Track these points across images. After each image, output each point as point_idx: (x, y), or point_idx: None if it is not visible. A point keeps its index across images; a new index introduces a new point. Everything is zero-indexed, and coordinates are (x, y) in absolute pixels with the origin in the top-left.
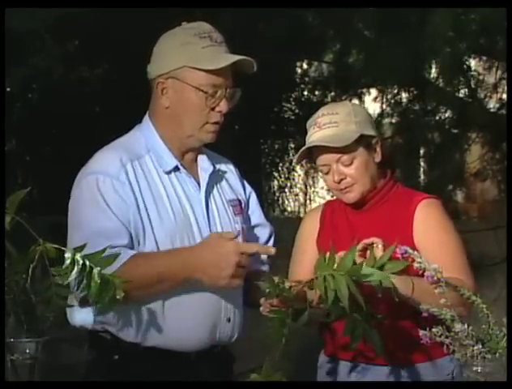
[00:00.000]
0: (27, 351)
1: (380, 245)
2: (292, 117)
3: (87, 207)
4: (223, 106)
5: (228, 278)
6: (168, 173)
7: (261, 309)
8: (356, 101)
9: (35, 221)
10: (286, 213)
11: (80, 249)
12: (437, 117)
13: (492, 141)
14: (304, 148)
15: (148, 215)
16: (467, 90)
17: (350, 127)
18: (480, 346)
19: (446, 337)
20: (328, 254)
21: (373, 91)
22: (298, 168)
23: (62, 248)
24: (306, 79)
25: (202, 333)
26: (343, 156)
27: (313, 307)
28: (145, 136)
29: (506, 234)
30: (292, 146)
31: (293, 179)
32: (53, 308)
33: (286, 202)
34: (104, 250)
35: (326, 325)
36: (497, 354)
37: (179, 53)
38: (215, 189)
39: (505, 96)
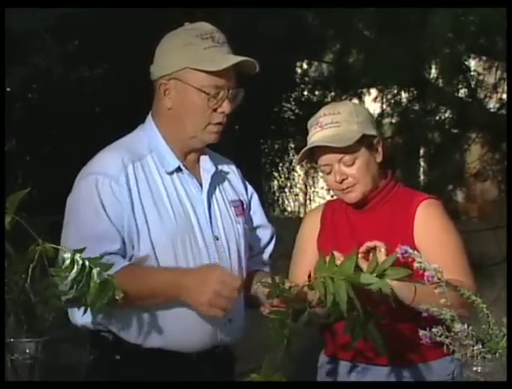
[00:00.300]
0: (27, 351)
1: (383, 249)
2: (292, 117)
3: (83, 208)
4: (225, 107)
5: (206, 305)
6: (170, 173)
7: (261, 309)
8: (356, 101)
9: (35, 221)
10: (286, 213)
11: (80, 250)
12: (437, 117)
13: (492, 141)
14: (306, 148)
15: (146, 217)
16: (466, 90)
17: (352, 127)
18: (480, 346)
19: (446, 337)
20: (328, 256)
21: (373, 91)
22: (298, 168)
23: (62, 248)
24: (306, 79)
25: (203, 334)
26: (345, 156)
27: (313, 307)
28: (148, 136)
29: (506, 234)
30: (292, 146)
31: (293, 179)
32: (53, 308)
33: (286, 202)
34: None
35: (327, 325)
36: (497, 354)
37: (181, 54)
38: (217, 190)
39: (504, 96)
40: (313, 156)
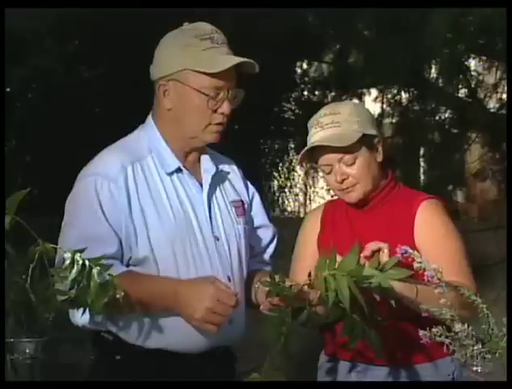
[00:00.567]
0: (27, 351)
1: (386, 250)
2: (292, 117)
3: (81, 209)
4: (225, 108)
5: (200, 320)
6: (170, 174)
7: (261, 307)
8: (356, 101)
9: (35, 221)
10: (286, 213)
11: (80, 250)
12: (437, 117)
13: (492, 141)
14: (306, 148)
15: (145, 219)
16: (466, 90)
17: (352, 127)
18: (480, 346)
19: (446, 337)
20: (329, 254)
21: (374, 92)
22: (298, 168)
23: (61, 248)
24: (306, 79)
25: (203, 334)
26: (346, 156)
27: (313, 306)
28: (148, 136)
29: (506, 234)
30: (292, 146)
31: (293, 179)
32: (53, 308)
33: (286, 202)
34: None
35: (327, 325)
36: (497, 354)
37: (180, 55)
38: (217, 190)
39: (504, 96)
40: (313, 155)
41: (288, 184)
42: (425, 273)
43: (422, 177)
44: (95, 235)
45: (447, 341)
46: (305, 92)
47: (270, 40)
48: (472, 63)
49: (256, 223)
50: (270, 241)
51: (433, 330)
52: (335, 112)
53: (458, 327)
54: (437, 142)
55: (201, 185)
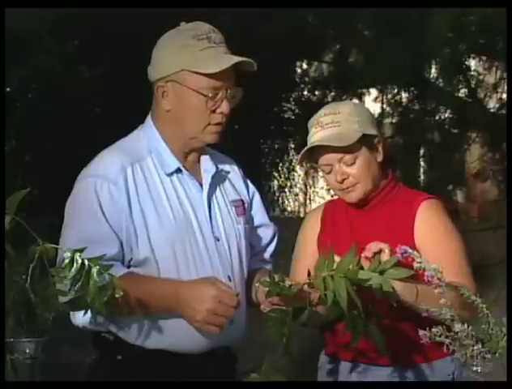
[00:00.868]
0: (27, 351)
1: (387, 251)
2: (292, 117)
3: (81, 211)
4: (224, 107)
5: (202, 322)
6: (170, 174)
7: (261, 307)
8: (356, 101)
9: (35, 221)
10: (286, 213)
11: (80, 250)
12: (437, 117)
13: (491, 141)
14: (306, 148)
15: (145, 220)
16: (466, 90)
17: (352, 127)
18: (480, 346)
19: (446, 337)
20: (328, 254)
21: (374, 92)
22: (298, 168)
23: (62, 248)
24: (306, 78)
25: (204, 335)
26: (346, 156)
27: (313, 305)
28: (147, 137)
29: (506, 234)
30: (292, 146)
31: (293, 179)
32: (53, 308)
33: (286, 202)
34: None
35: (327, 325)
36: (497, 354)
37: (177, 56)
38: (217, 190)
39: (504, 95)
40: (313, 155)
41: (288, 184)
42: (425, 273)
43: (422, 177)
44: (95, 236)
45: (447, 341)
46: (305, 92)
47: (270, 40)
48: (472, 63)
49: (256, 222)
50: (271, 240)
51: (433, 330)
52: (335, 111)
53: (458, 326)
54: (437, 142)
55: (201, 185)
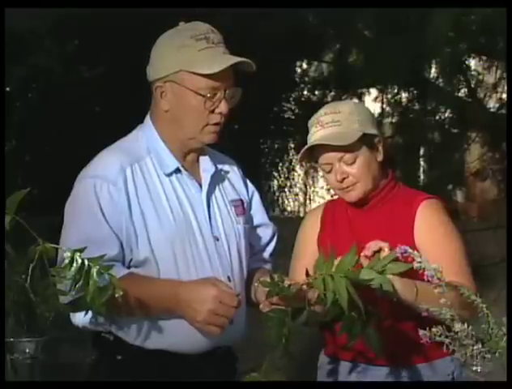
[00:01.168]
0: (27, 351)
1: (386, 249)
2: (292, 117)
3: (81, 212)
4: (223, 107)
5: (203, 322)
6: (169, 175)
7: (260, 306)
8: (356, 101)
9: (35, 221)
10: (286, 213)
11: (80, 249)
12: (437, 117)
13: (491, 141)
14: (307, 147)
15: (144, 221)
16: (466, 90)
17: (353, 126)
18: (480, 346)
19: (446, 337)
20: (327, 254)
21: (373, 91)
22: (298, 167)
23: (62, 248)
24: (306, 78)
25: (204, 335)
26: (346, 155)
27: (312, 305)
28: (146, 137)
29: (506, 234)
30: (292, 145)
31: (293, 179)
32: (53, 308)
33: (286, 201)
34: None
35: (327, 324)
36: (497, 354)
37: (176, 57)
38: (217, 189)
39: (504, 95)
40: (313, 154)
41: (288, 184)
42: (425, 273)
43: (422, 176)
44: (95, 237)
45: (447, 341)
46: (305, 92)
47: (270, 40)
48: (472, 63)
49: (256, 221)
50: (270, 240)
51: (433, 329)
52: (336, 111)
53: (458, 326)
54: (436, 141)
55: (200, 185)
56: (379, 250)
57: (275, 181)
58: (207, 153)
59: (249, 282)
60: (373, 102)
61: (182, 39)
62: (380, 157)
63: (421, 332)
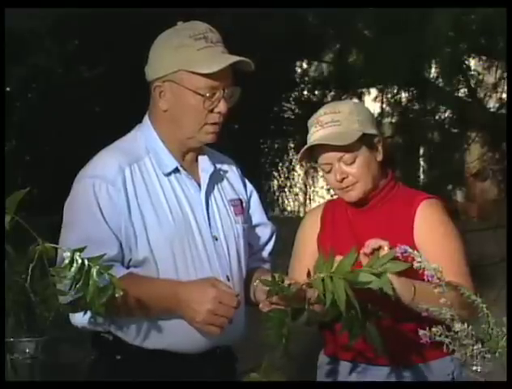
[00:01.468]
0: (27, 351)
1: (386, 248)
2: (292, 117)
3: (80, 211)
4: (221, 107)
5: (202, 323)
6: (168, 174)
7: (260, 306)
8: (356, 101)
9: (35, 221)
10: (286, 213)
11: (80, 249)
12: (437, 117)
13: (491, 141)
14: (306, 147)
15: (144, 221)
16: (466, 90)
17: (352, 126)
18: (480, 345)
19: (446, 336)
20: (327, 255)
21: (373, 91)
22: (298, 167)
23: (61, 248)
24: (306, 78)
25: (204, 335)
26: (346, 155)
27: (312, 304)
28: (145, 137)
29: (506, 234)
30: (292, 145)
31: (293, 179)
32: (53, 307)
33: (286, 201)
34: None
35: (326, 324)
36: (497, 354)
37: (174, 56)
38: (215, 189)
39: (504, 95)
40: (313, 154)
41: (288, 183)
42: (425, 273)
43: (422, 176)
44: (95, 238)
45: (447, 341)
46: (305, 92)
47: (270, 40)
48: (472, 63)
49: (254, 221)
50: (269, 239)
51: (433, 329)
52: (335, 111)
53: (457, 326)
54: (436, 141)
55: (199, 184)
56: (378, 248)
57: (275, 181)
58: (206, 153)
59: (248, 281)
60: (372, 102)
61: (181, 38)
62: (379, 157)
63: (421, 332)
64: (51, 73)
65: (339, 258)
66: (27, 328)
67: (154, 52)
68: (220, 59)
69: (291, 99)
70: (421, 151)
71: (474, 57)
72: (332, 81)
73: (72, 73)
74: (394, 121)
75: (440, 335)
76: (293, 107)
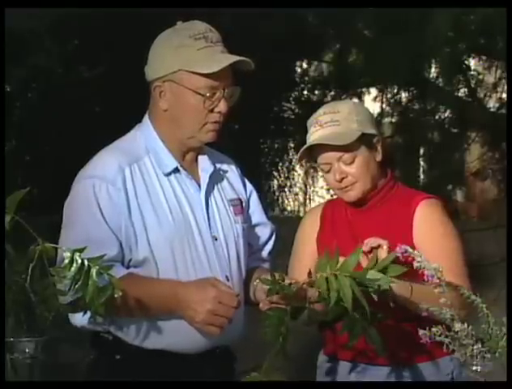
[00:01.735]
0: (27, 351)
1: (385, 247)
2: (292, 117)
3: (80, 212)
4: (222, 107)
5: (202, 323)
6: (168, 174)
7: (260, 305)
8: (355, 101)
9: (34, 221)
10: (286, 212)
11: (80, 249)
12: (437, 117)
13: (491, 140)
14: (306, 146)
15: (144, 221)
16: (466, 89)
17: (351, 126)
18: (480, 345)
19: (446, 336)
20: (331, 254)
21: (373, 91)
22: (298, 167)
23: (61, 248)
24: (306, 78)
25: (203, 335)
26: (345, 155)
27: (312, 303)
28: (145, 136)
29: (506, 233)
30: (292, 145)
31: (293, 178)
32: (53, 307)
33: (286, 201)
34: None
35: (326, 324)
36: (497, 354)
37: (174, 56)
38: (215, 189)
39: (504, 95)
40: (312, 154)
41: (288, 183)
42: (425, 273)
43: (422, 176)
44: (95, 238)
45: (447, 340)
46: (305, 92)
47: (270, 40)
48: (472, 63)
49: (254, 221)
50: (269, 239)
51: (433, 329)
52: (335, 111)
53: (457, 326)
54: (436, 141)
55: (199, 184)
56: (377, 247)
57: (275, 181)
58: (206, 152)
59: (248, 281)
60: (372, 102)
61: (181, 38)
62: (379, 157)
63: (421, 332)
64: (51, 73)
65: (339, 258)
66: (27, 328)
67: (154, 52)
68: (220, 59)
69: (291, 99)
70: (421, 151)
71: (474, 57)
72: (332, 81)
73: (72, 73)
74: (394, 121)
75: (440, 335)
76: (293, 107)
